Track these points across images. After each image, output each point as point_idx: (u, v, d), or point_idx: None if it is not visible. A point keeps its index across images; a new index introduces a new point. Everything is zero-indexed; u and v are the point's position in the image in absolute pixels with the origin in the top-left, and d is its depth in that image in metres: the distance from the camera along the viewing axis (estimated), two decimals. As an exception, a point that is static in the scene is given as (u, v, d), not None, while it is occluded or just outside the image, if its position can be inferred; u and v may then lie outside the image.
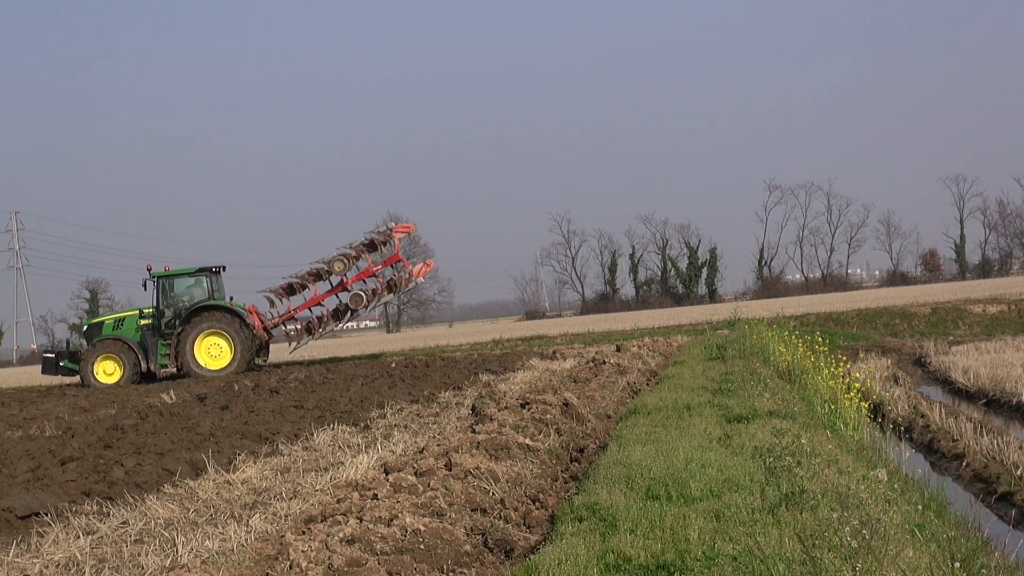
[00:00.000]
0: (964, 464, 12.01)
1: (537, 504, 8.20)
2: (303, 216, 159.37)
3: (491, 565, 6.77)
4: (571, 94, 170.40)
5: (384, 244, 31.46)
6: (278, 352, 34.84)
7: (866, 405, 13.50)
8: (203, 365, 29.37)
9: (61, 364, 30.73)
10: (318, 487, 8.96)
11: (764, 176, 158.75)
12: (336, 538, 6.58)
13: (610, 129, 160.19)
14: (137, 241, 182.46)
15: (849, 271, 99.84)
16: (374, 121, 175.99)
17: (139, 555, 7.03)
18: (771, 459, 8.28)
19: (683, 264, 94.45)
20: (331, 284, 31.53)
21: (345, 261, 30.78)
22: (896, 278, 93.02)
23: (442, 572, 6.50)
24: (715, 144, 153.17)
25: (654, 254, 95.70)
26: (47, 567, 7.02)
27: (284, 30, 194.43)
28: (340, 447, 11.50)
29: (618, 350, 24.20)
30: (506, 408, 12.15)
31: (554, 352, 27.95)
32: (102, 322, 31.07)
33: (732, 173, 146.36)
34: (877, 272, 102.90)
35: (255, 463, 10.81)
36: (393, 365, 27.64)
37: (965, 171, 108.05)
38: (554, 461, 9.84)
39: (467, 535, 7.15)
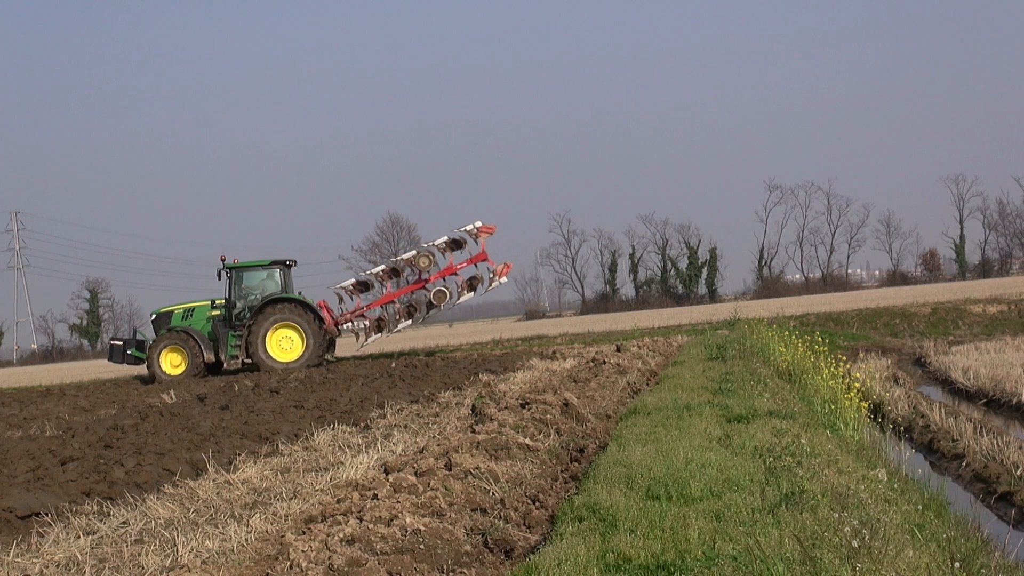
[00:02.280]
0: (964, 464, 12.01)
1: (537, 504, 8.21)
2: (302, 216, 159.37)
3: (491, 565, 6.78)
4: (571, 94, 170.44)
5: (464, 243, 31.50)
6: (343, 348, 34.98)
7: (866, 405, 13.49)
8: (274, 357, 29.34)
9: (128, 352, 30.67)
10: (318, 487, 8.96)
11: (764, 176, 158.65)
12: (336, 538, 6.58)
13: (610, 129, 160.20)
14: (137, 241, 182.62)
15: (849, 271, 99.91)
16: (372, 121, 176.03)
17: (139, 555, 7.03)
18: (771, 459, 8.28)
19: (683, 264, 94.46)
20: (408, 281, 31.71)
21: (430, 258, 30.86)
22: (896, 278, 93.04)
23: (442, 572, 6.51)
24: (715, 144, 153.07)
25: (654, 254, 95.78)
26: (47, 567, 7.02)
27: (283, 29, 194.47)
28: (340, 447, 11.50)
29: (618, 350, 24.20)
30: (506, 408, 12.15)
31: (554, 352, 27.95)
32: (171, 311, 30.80)
33: (732, 173, 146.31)
34: (877, 272, 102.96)
35: (255, 463, 10.81)
36: (393, 365, 27.64)
37: (965, 171, 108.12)
38: (554, 461, 9.84)
39: (467, 535, 7.15)
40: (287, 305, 29.68)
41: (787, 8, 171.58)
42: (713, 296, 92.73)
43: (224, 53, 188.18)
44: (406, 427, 12.96)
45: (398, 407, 15.47)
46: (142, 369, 31.57)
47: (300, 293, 30.98)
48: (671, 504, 7.27)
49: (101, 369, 47.14)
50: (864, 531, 5.47)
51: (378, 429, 12.98)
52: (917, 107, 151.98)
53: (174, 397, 20.72)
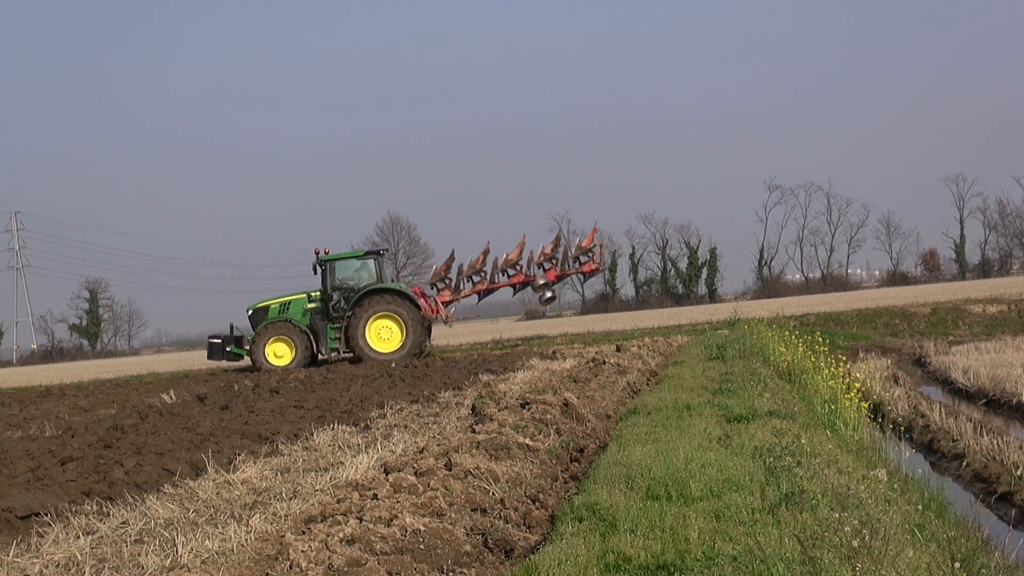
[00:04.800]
0: (964, 464, 12.01)
1: (537, 504, 8.20)
2: (302, 215, 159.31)
3: (491, 565, 6.78)
4: (571, 93, 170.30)
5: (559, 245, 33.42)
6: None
7: (866, 405, 13.49)
8: (375, 348, 29.53)
9: (228, 349, 30.89)
10: (318, 487, 8.96)
11: (764, 176, 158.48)
12: (336, 538, 6.58)
13: (610, 128, 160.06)
14: (137, 241, 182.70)
15: (849, 271, 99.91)
16: (372, 120, 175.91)
17: (139, 555, 7.04)
18: (771, 459, 8.28)
19: (683, 264, 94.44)
20: (507, 275, 32.92)
21: (548, 284, 32.61)
22: (896, 278, 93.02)
23: (442, 572, 6.51)
24: (715, 144, 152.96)
25: (654, 254, 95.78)
26: (47, 567, 7.02)
27: (283, 30, 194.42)
28: (340, 447, 11.50)
29: (618, 350, 24.20)
30: (506, 408, 12.15)
31: (554, 352, 27.93)
32: (267, 306, 30.99)
33: (732, 173, 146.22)
34: (877, 272, 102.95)
35: (255, 463, 10.81)
36: (393, 365, 27.65)
37: (965, 171, 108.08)
38: (554, 461, 9.84)
39: (467, 535, 7.15)
40: (385, 296, 29.90)
41: (787, 8, 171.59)
42: (713, 296, 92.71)
43: (224, 53, 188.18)
44: (406, 427, 12.96)
45: (398, 407, 15.47)
46: (234, 364, 32.10)
47: (394, 280, 31.24)
48: (671, 504, 7.27)
49: (101, 369, 47.17)
50: (864, 531, 5.47)
51: (378, 429, 12.98)
52: (917, 107, 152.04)
53: (174, 397, 20.73)
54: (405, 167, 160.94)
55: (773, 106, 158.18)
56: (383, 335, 29.71)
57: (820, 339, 18.45)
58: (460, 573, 6.52)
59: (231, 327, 31.88)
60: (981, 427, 13.48)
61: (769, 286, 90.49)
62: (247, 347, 30.45)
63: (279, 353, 29.91)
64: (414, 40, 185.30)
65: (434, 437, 11.26)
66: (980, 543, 7.32)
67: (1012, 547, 7.51)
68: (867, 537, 5.40)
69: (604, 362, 19.57)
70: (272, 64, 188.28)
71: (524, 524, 7.62)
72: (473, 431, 10.63)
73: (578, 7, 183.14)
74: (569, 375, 17.72)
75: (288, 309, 30.61)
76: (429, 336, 32.07)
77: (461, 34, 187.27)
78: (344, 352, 30.21)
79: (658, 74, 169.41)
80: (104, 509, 8.92)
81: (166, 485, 9.82)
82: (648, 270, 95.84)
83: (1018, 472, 10.75)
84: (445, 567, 6.55)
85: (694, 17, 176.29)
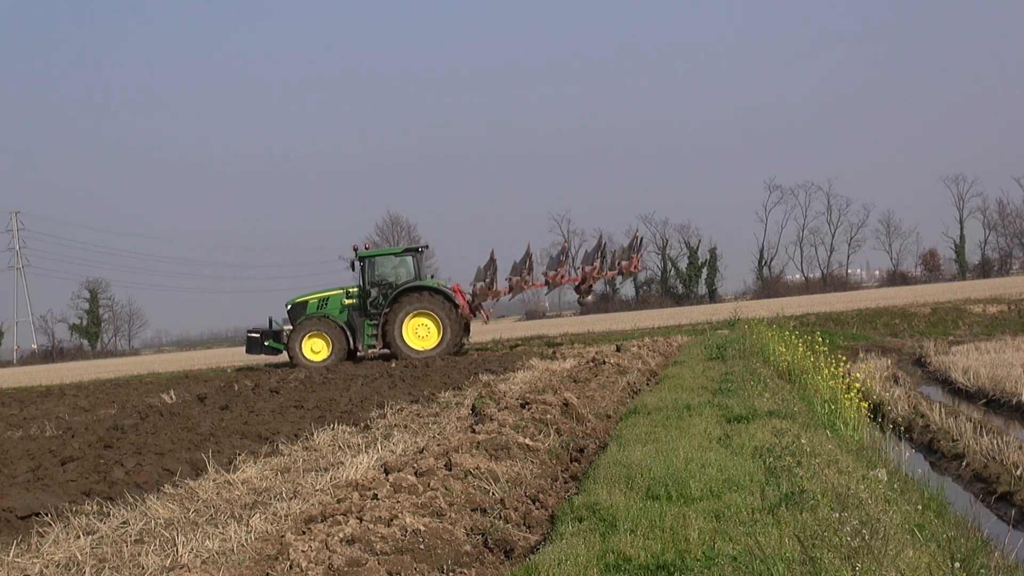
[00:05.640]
0: (964, 464, 12.02)
1: (537, 504, 8.21)
2: (302, 215, 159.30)
3: (491, 565, 6.78)
4: (570, 93, 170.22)
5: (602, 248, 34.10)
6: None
7: (866, 405, 13.49)
8: (411, 346, 29.45)
9: (266, 344, 30.88)
10: (318, 487, 8.97)
11: (764, 176, 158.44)
12: (336, 538, 6.58)
13: (610, 129, 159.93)
14: (137, 241, 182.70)
15: (849, 271, 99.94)
16: (372, 120, 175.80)
17: (139, 555, 7.04)
18: (771, 459, 8.28)
19: (683, 264, 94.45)
20: (544, 277, 33.22)
21: (590, 297, 33.23)
22: (896, 278, 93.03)
23: (442, 572, 6.51)
24: (715, 144, 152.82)
25: (654, 254, 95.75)
26: (47, 567, 7.02)
27: (282, 30, 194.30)
28: (340, 447, 11.50)
29: (618, 350, 24.20)
30: (506, 408, 12.16)
31: (554, 352, 27.94)
32: (306, 301, 30.95)
33: (732, 173, 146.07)
34: (877, 272, 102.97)
35: (255, 463, 10.81)
36: (393, 365, 27.65)
37: (965, 171, 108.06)
38: (554, 461, 9.85)
39: (467, 535, 7.16)
40: (423, 294, 29.77)
41: (787, 7, 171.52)
42: (713, 296, 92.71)
43: (224, 53, 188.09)
44: (406, 427, 12.96)
45: (398, 407, 15.47)
46: (272, 359, 32.20)
47: (432, 276, 31.07)
48: (671, 504, 7.27)
49: (101, 369, 47.19)
50: (864, 531, 5.47)
51: (378, 429, 12.98)
52: (917, 107, 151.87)
53: (174, 397, 20.73)
54: (405, 167, 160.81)
55: (773, 106, 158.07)
56: (420, 333, 29.63)
57: (820, 339, 18.45)
58: (460, 573, 6.52)
59: (270, 321, 31.80)
60: (981, 427, 13.49)
61: (769, 286, 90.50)
62: (285, 342, 30.43)
63: (316, 349, 29.84)
64: (415, 41, 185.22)
65: (434, 437, 11.26)
66: (980, 543, 7.32)
67: (1012, 547, 7.51)
68: (867, 537, 5.40)
69: (604, 362, 19.57)
70: (272, 64, 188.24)
71: (524, 524, 7.63)
72: (473, 431, 10.63)
73: (578, 7, 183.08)
74: (569, 375, 17.72)
75: (326, 305, 30.57)
76: (467, 334, 31.93)
77: (462, 35, 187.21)
78: (381, 349, 30.20)
79: (658, 74, 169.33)
80: (104, 509, 8.93)
81: (166, 485, 9.82)
82: (648, 270, 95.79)
83: (1018, 472, 10.75)
84: (445, 567, 6.55)
85: (694, 17, 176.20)
